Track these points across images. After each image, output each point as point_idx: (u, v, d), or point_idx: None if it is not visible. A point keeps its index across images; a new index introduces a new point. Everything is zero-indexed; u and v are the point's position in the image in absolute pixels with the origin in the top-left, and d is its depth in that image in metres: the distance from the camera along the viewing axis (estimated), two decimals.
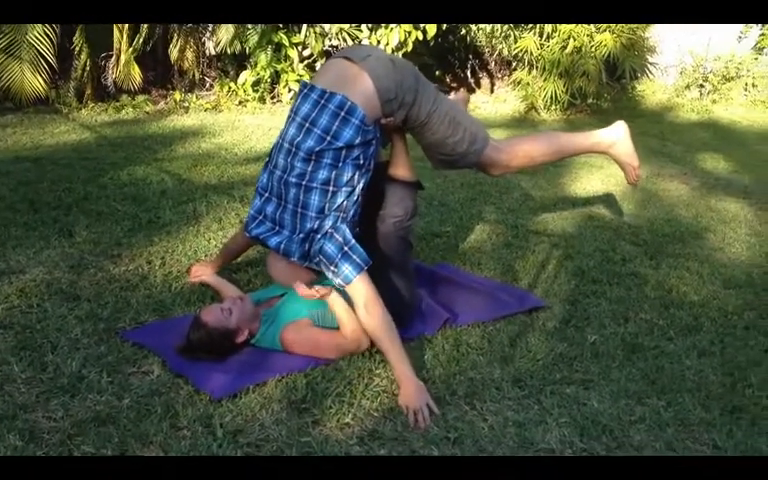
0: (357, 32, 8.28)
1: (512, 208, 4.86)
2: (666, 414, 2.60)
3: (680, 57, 10.21)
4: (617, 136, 3.35)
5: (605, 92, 9.12)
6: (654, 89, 10.12)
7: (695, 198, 5.36)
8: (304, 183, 2.78)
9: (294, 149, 2.80)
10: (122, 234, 3.98)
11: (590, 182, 5.58)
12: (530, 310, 3.32)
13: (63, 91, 7.51)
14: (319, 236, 2.78)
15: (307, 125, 2.80)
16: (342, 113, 2.78)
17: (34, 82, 7.00)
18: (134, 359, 2.76)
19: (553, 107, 8.65)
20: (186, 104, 7.97)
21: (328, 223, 2.78)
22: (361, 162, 2.83)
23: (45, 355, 2.74)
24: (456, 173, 5.34)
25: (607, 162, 6.22)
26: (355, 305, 2.78)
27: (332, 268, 2.75)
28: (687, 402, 2.68)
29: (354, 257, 2.75)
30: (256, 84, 8.27)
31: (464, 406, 2.59)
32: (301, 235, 2.80)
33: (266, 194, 2.91)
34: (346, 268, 2.73)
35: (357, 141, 2.79)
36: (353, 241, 2.78)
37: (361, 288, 2.74)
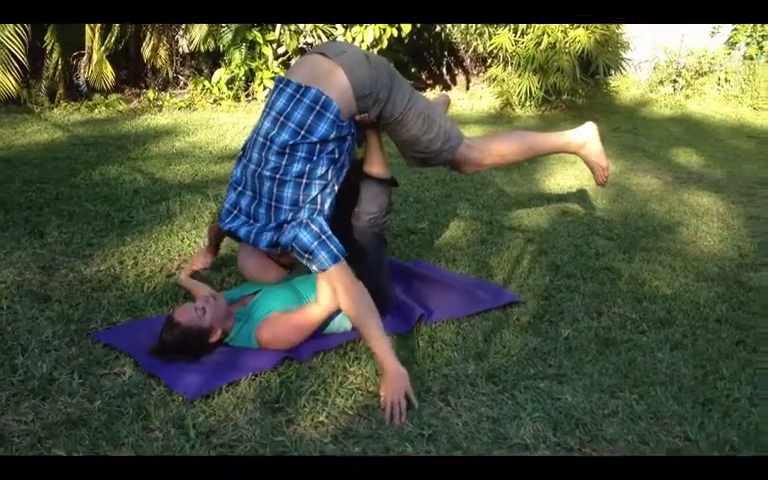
0: (332, 29, 8.25)
1: (487, 204, 4.88)
2: (639, 407, 2.62)
3: (654, 53, 10.28)
4: (587, 137, 3.39)
5: (579, 88, 9.15)
6: (628, 85, 10.18)
7: (668, 192, 5.40)
8: (278, 176, 2.77)
9: (268, 143, 2.80)
10: (94, 234, 3.94)
11: (564, 178, 5.61)
12: (505, 306, 3.33)
13: (35, 90, 7.41)
14: (294, 225, 2.77)
15: (282, 119, 2.80)
16: (317, 107, 2.78)
17: (5, 82, 6.90)
18: (105, 360, 2.73)
19: (528, 103, 8.67)
20: (160, 103, 7.91)
21: (303, 215, 2.78)
22: (336, 156, 2.83)
23: (15, 357, 2.71)
24: (432, 170, 5.34)
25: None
26: (333, 294, 2.78)
27: (307, 256, 2.74)
28: (659, 395, 2.70)
29: (331, 246, 2.74)
30: (231, 82, 8.21)
31: (438, 403, 2.59)
32: (273, 225, 2.81)
33: (239, 188, 2.90)
34: (322, 256, 2.72)
35: (332, 136, 2.79)
36: (330, 232, 2.78)
37: (339, 275, 2.74)
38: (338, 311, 2.95)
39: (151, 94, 8.01)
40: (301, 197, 2.78)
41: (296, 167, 2.77)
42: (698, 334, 3.19)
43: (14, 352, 2.74)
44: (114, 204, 4.46)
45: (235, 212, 2.91)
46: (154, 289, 3.35)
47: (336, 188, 2.88)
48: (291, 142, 2.76)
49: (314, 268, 2.76)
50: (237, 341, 2.85)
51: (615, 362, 2.92)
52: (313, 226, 2.75)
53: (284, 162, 2.77)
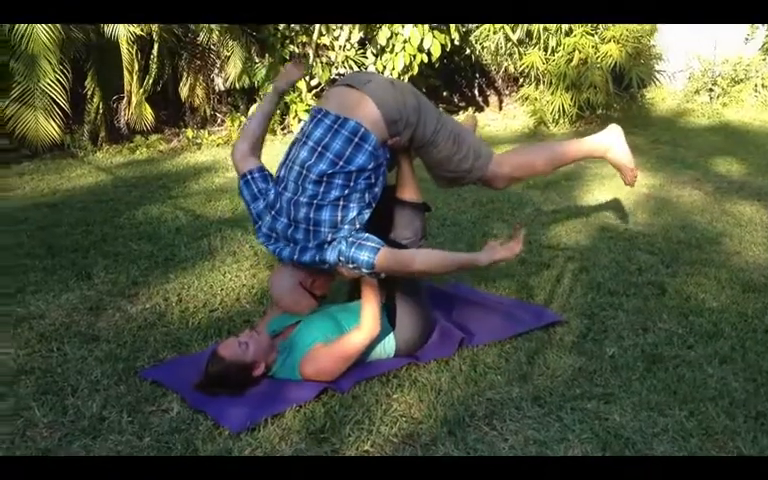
0: (363, 59, 8.34)
1: (525, 223, 4.86)
2: (689, 424, 2.57)
3: (687, 62, 10.18)
4: (611, 140, 3.41)
5: (614, 102, 9.10)
6: (664, 96, 10.09)
7: (709, 203, 5.32)
8: (315, 202, 2.81)
9: (305, 172, 2.84)
10: (139, 273, 4.01)
11: (602, 193, 5.56)
12: (547, 326, 3.31)
13: (78, 135, 7.60)
14: (335, 243, 2.81)
15: (320, 149, 2.84)
16: (356, 139, 2.83)
17: (48, 128, 7.08)
18: (153, 397, 2.78)
19: (562, 120, 8.64)
20: (199, 141, 8.05)
21: (343, 233, 2.82)
22: (372, 181, 2.89)
23: (66, 398, 2.76)
24: (468, 192, 5.35)
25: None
26: (375, 318, 2.85)
27: (350, 265, 2.79)
28: (710, 410, 2.65)
29: (367, 244, 2.79)
30: None
31: (484, 427, 2.58)
32: (313, 244, 2.84)
33: (273, 213, 2.93)
34: (364, 256, 2.76)
35: (370, 166, 2.84)
36: (365, 235, 2.83)
37: (386, 258, 2.78)
38: (381, 336, 2.98)
39: (190, 133, 8.15)
40: (339, 217, 2.82)
41: (333, 193, 2.81)
42: (747, 346, 3.13)
43: (65, 393, 2.80)
44: (157, 243, 4.54)
45: (273, 236, 2.94)
46: (198, 324, 3.39)
47: (373, 205, 2.91)
48: (329, 171, 2.80)
49: (364, 271, 2.79)
50: (281, 374, 2.87)
51: (663, 379, 2.88)
52: (351, 239, 2.80)
53: (321, 189, 2.81)
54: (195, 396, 2.73)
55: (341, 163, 2.81)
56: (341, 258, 2.80)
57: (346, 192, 2.82)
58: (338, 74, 8.42)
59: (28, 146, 7.08)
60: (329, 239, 2.82)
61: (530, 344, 3.16)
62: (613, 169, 3.61)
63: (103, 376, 2.93)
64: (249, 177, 2.98)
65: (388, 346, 3.01)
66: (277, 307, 3.12)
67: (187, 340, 3.25)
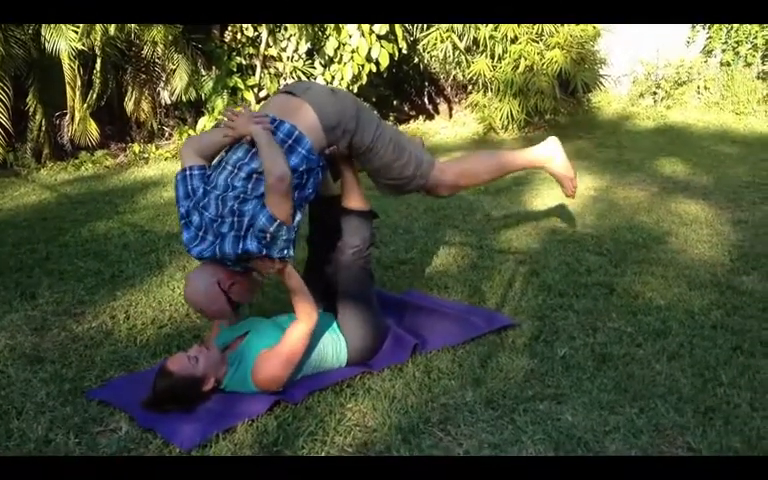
0: (311, 69, 8.32)
1: (476, 229, 4.89)
2: (639, 421, 2.61)
3: (631, 66, 10.38)
4: (552, 151, 3.51)
5: (561, 107, 9.22)
6: (609, 100, 10.26)
7: (655, 203, 5.42)
8: (242, 196, 2.77)
9: (236, 170, 2.82)
10: (85, 292, 3.92)
11: (550, 197, 5.62)
12: (499, 329, 3.33)
13: (20, 153, 7.41)
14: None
15: (254, 150, 2.82)
16: (290, 141, 2.84)
17: None
18: (101, 418, 2.71)
19: (510, 126, 8.72)
20: (146, 155, 7.92)
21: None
22: (302, 182, 2.87)
23: (10, 421, 2.68)
24: (419, 200, 5.36)
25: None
26: (310, 305, 2.83)
27: (266, 236, 2.71)
28: (660, 407, 2.69)
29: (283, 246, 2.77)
30: None
31: (438, 433, 2.58)
32: (234, 233, 2.74)
33: (200, 207, 2.85)
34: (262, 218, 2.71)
35: (302, 168, 2.84)
36: (293, 237, 2.81)
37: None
38: (333, 345, 2.96)
39: (137, 147, 8.02)
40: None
41: (261, 189, 2.77)
42: (695, 343, 3.19)
43: (9, 416, 2.72)
44: (104, 260, 4.45)
45: (200, 233, 2.84)
46: (147, 341, 3.33)
47: (301, 207, 2.89)
48: (259, 170, 2.78)
49: (275, 254, 2.74)
50: (232, 386, 2.83)
51: (613, 377, 2.91)
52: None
53: (250, 186, 2.78)
54: (144, 414, 2.68)
55: None
56: (255, 223, 2.70)
57: None
58: (285, 85, 8.38)
59: None
60: (250, 225, 2.73)
61: (483, 348, 3.17)
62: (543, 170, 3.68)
63: (49, 397, 2.85)
64: (188, 173, 2.90)
65: (341, 355, 2.99)
66: (224, 320, 3.07)
67: (135, 358, 3.19)
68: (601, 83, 9.43)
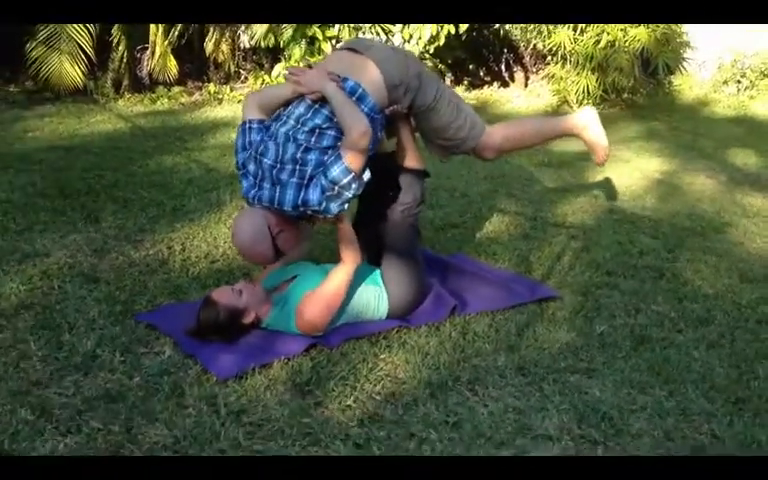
0: (390, 25, 8.31)
1: (533, 200, 4.87)
2: (668, 403, 2.61)
3: (718, 52, 10.03)
4: (587, 120, 3.56)
5: (640, 87, 9.02)
6: (691, 84, 9.95)
7: (720, 193, 5.29)
8: (305, 145, 2.82)
9: (299, 125, 2.87)
10: (146, 220, 4.08)
11: (615, 175, 5.53)
12: (541, 300, 3.34)
13: (101, 82, 7.67)
14: (316, 179, 2.80)
15: (316, 106, 2.88)
16: (353, 99, 2.87)
17: (73, 73, 7.18)
18: (147, 340, 2.85)
19: (586, 101, 8.56)
20: (220, 96, 8.09)
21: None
22: None
23: (62, 334, 2.84)
24: (481, 166, 5.35)
25: (635, 156, 6.21)
26: (353, 248, 2.91)
27: (331, 187, 2.78)
28: (690, 392, 2.68)
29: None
30: None
31: (466, 392, 2.63)
32: (296, 180, 2.80)
33: (258, 155, 2.90)
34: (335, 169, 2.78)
35: None
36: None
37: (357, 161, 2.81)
38: (374, 297, 3.02)
39: (212, 88, 8.19)
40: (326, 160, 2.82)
41: (324, 143, 2.83)
42: (736, 334, 3.14)
43: (61, 329, 2.88)
44: (168, 192, 4.60)
45: (257, 181, 2.89)
46: (198, 274, 3.46)
47: (368, 173, 2.90)
48: (324, 125, 2.83)
49: (333, 209, 2.81)
50: (275, 326, 2.93)
51: (648, 359, 2.91)
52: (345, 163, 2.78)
53: (313, 139, 2.83)
54: (187, 341, 2.80)
55: (336, 119, 2.84)
56: (326, 174, 2.76)
57: (338, 143, 2.83)
58: (362, 36, 8.40)
59: (51, 89, 7.18)
60: (313, 175, 2.79)
61: (522, 316, 3.19)
62: (629, 151, 3.67)
63: (100, 316, 3.00)
64: (247, 126, 2.97)
65: (381, 308, 3.06)
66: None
67: (186, 288, 3.32)
68: (683, 66, 9.18)
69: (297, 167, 2.80)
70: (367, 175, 2.86)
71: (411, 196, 3.12)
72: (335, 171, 2.75)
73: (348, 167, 2.75)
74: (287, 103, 2.97)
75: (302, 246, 3.23)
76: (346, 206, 2.85)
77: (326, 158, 2.79)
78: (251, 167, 2.91)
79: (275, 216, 2.88)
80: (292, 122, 2.89)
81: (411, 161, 3.15)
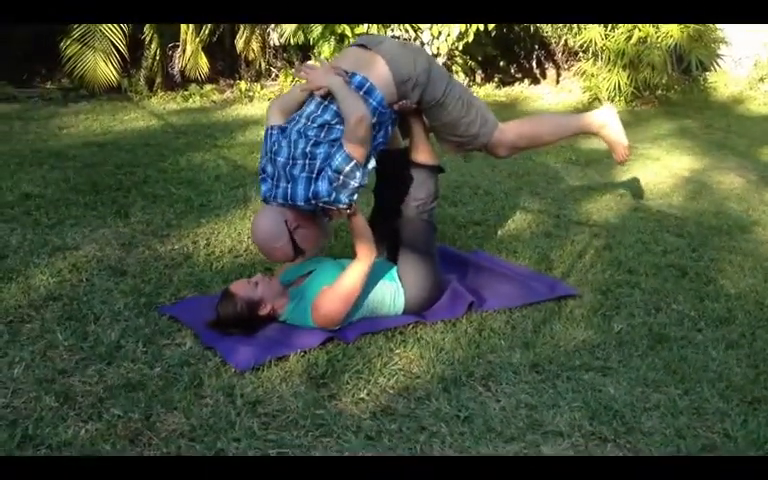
0: (418, 23, 8.34)
1: (557, 198, 4.87)
2: (682, 402, 2.61)
3: (755, 49, 9.89)
4: (605, 119, 3.53)
5: (674, 84, 8.94)
6: (726, 81, 9.84)
7: (749, 191, 5.24)
8: (314, 139, 2.89)
9: (309, 122, 2.94)
10: (173, 216, 4.16)
11: (643, 173, 5.51)
12: (560, 298, 3.35)
13: (135, 80, 7.81)
14: (324, 171, 2.86)
15: (325, 103, 2.94)
16: (361, 93, 2.93)
17: (107, 71, 7.33)
18: (169, 332, 2.92)
19: (617, 99, 8.52)
20: (251, 93, 8.18)
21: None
22: (373, 133, 2.95)
23: (88, 325, 2.93)
24: (505, 164, 5.36)
25: (665, 153, 6.17)
26: (369, 244, 2.94)
27: (342, 178, 2.84)
28: (705, 392, 2.68)
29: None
30: None
31: (479, 387, 2.66)
32: (306, 174, 2.87)
33: (272, 154, 2.99)
34: (338, 157, 2.85)
35: (372, 120, 2.91)
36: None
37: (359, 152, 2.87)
38: (391, 293, 3.06)
39: (243, 85, 8.29)
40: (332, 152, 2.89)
41: (333, 136, 2.89)
42: (757, 334, 3.13)
43: (87, 320, 2.96)
44: (196, 188, 4.69)
45: (274, 182, 2.98)
46: (222, 268, 3.53)
47: (372, 162, 2.97)
48: (332, 120, 2.90)
49: (343, 199, 2.86)
50: (292, 319, 2.99)
51: (665, 357, 2.91)
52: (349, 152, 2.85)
53: (323, 133, 2.91)
54: (208, 333, 2.87)
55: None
56: (330, 173, 2.83)
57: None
58: (393, 36, 8.45)
59: (86, 87, 7.33)
60: (322, 168, 2.86)
61: (539, 314, 3.21)
62: (658, 150, 3.66)
63: (125, 308, 3.08)
64: (270, 131, 3.05)
65: (398, 303, 3.10)
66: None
67: (209, 281, 3.39)
68: (717, 63, 9.08)
69: (307, 161, 2.87)
70: (372, 163, 2.94)
71: (425, 192, 3.16)
72: (338, 160, 2.83)
73: (349, 155, 2.82)
74: (302, 103, 3.04)
75: (321, 243, 3.27)
76: (355, 196, 2.90)
77: (333, 150, 2.85)
78: (269, 169, 3.01)
79: (292, 212, 2.95)
80: (303, 120, 2.96)
81: (425, 157, 3.19)
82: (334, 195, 2.85)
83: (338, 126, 2.90)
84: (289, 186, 2.90)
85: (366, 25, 8.26)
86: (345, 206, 2.88)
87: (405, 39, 8.20)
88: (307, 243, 3.04)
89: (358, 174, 2.85)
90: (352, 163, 2.82)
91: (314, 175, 2.86)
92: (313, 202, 2.89)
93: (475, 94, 3.61)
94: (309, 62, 4.92)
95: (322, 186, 2.84)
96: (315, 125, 2.92)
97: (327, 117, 2.92)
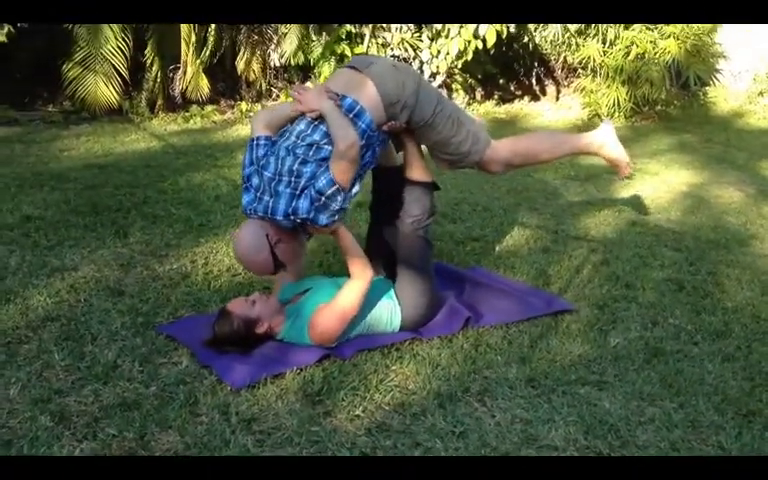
0: (418, 42, 8.40)
1: (555, 214, 4.88)
2: (676, 416, 2.61)
3: (754, 63, 9.92)
4: (604, 138, 3.55)
5: (674, 99, 8.97)
6: (726, 96, 9.86)
7: (748, 205, 5.25)
8: (301, 157, 2.92)
9: (299, 140, 2.97)
10: (172, 236, 4.18)
11: (642, 188, 5.52)
12: (557, 313, 3.35)
13: (136, 101, 7.86)
14: (307, 190, 2.89)
15: (316, 122, 2.97)
16: (350, 116, 2.95)
17: (108, 93, 7.37)
18: (165, 351, 2.93)
19: (617, 114, 8.55)
20: (251, 114, 8.22)
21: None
22: (361, 155, 2.97)
23: (85, 345, 2.94)
24: (503, 180, 5.38)
25: (664, 168, 6.18)
26: (365, 264, 2.96)
27: (323, 199, 2.87)
28: (701, 405, 2.68)
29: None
30: None
31: (474, 403, 2.66)
32: (290, 190, 2.90)
33: (259, 167, 3.00)
34: (334, 207, 2.88)
35: (361, 143, 2.94)
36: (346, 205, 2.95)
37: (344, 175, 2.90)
38: (388, 310, 3.07)
39: (244, 106, 8.34)
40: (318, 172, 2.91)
41: (321, 155, 2.92)
42: (753, 347, 3.13)
43: (84, 340, 2.98)
44: (196, 208, 4.71)
45: (258, 195, 2.99)
46: (219, 287, 3.54)
47: (357, 186, 3.00)
48: (321, 140, 2.93)
49: (322, 221, 2.89)
50: (288, 337, 3.00)
51: (661, 371, 2.91)
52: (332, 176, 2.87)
53: (311, 152, 2.93)
54: (204, 352, 2.88)
55: None
56: (315, 184, 2.85)
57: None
58: (393, 56, 8.49)
59: (87, 109, 7.37)
60: (306, 186, 2.89)
61: (536, 329, 3.22)
62: (656, 166, 3.67)
63: (122, 327, 3.10)
64: (255, 142, 3.06)
65: (395, 321, 3.11)
66: (288, 275, 3.23)
67: (206, 300, 3.40)
68: (716, 78, 9.10)
69: (293, 179, 2.90)
70: (356, 189, 2.97)
71: (420, 208, 3.17)
72: (322, 181, 2.86)
73: (333, 179, 2.85)
74: (292, 120, 3.07)
75: (301, 258, 3.30)
76: (336, 217, 2.92)
77: (319, 170, 2.88)
78: (255, 181, 3.01)
79: (272, 227, 2.98)
80: (293, 138, 2.99)
81: (419, 174, 3.21)
82: (313, 214, 2.88)
83: (327, 146, 2.92)
84: (271, 201, 2.94)
85: (365, 44, 8.33)
86: (323, 226, 2.90)
87: (404, 58, 8.27)
88: (287, 257, 3.06)
89: (339, 198, 2.88)
90: (335, 187, 2.86)
91: (297, 192, 2.90)
92: (291, 217, 2.92)
93: (474, 112, 3.62)
94: (302, 84, 4.94)
95: (303, 204, 2.88)
96: (304, 143, 2.95)
97: (316, 137, 2.95)
